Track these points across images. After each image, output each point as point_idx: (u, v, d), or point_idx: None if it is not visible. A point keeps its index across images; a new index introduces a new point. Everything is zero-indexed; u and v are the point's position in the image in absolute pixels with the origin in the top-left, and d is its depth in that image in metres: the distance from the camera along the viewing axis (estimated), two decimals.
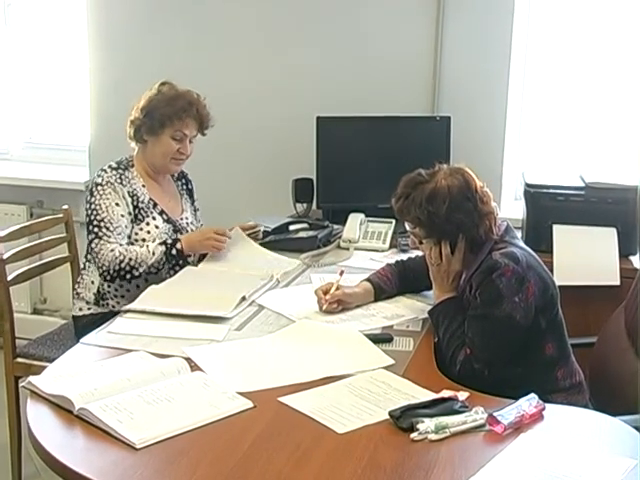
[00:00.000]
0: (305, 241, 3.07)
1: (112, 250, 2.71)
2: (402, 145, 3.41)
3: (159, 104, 2.82)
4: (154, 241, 2.79)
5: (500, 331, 2.15)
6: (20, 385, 2.04)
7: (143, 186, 2.86)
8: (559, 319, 2.28)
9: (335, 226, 3.23)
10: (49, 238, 3.20)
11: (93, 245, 2.75)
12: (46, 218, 3.28)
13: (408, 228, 2.34)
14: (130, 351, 2.10)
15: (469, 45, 3.49)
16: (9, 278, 2.92)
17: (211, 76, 3.77)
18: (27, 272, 3.06)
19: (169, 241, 2.78)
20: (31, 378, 1.91)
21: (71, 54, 4.15)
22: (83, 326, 2.37)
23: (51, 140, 4.31)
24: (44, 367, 2.09)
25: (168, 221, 2.88)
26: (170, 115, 2.80)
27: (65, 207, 3.28)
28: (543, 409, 1.82)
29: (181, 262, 2.81)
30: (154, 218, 2.84)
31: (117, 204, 2.77)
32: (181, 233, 2.89)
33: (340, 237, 3.14)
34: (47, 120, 4.34)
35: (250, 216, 3.26)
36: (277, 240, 3.07)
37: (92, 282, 2.87)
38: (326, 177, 3.45)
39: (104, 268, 2.73)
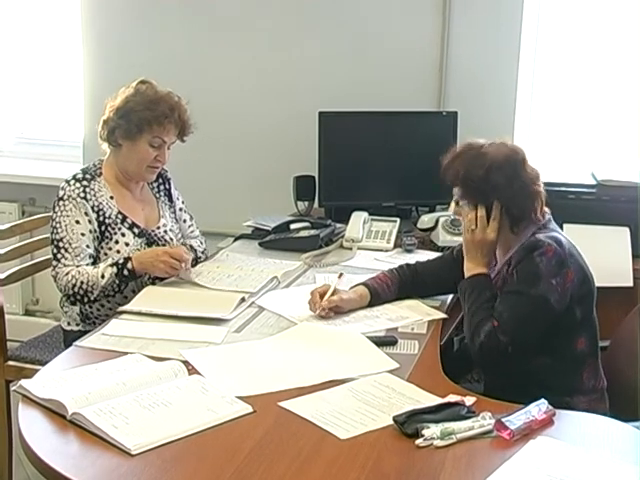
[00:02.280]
0: (307, 240, 3.03)
1: (67, 273, 2.60)
2: (407, 141, 3.39)
3: (137, 106, 2.65)
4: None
5: (531, 310, 2.13)
6: (11, 389, 2.01)
7: (111, 197, 2.70)
8: (594, 318, 2.27)
9: (338, 225, 3.20)
10: (41, 237, 3.15)
11: (52, 267, 2.66)
12: (38, 216, 3.24)
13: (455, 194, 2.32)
14: (126, 354, 2.08)
15: (476, 38, 3.47)
16: (0, 278, 2.88)
17: (210, 71, 3.77)
18: (18, 272, 3.02)
19: (120, 261, 2.61)
20: (22, 382, 1.89)
21: (64, 48, 4.12)
22: (73, 340, 2.30)
23: (44, 136, 4.28)
24: (36, 370, 2.07)
25: (140, 235, 2.73)
26: (149, 120, 2.63)
27: None
28: (553, 414, 1.79)
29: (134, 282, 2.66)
30: (123, 234, 2.69)
31: (77, 221, 2.62)
32: (157, 245, 2.75)
33: (343, 236, 3.11)
34: (40, 115, 4.31)
35: (250, 214, 3.23)
36: (278, 239, 3.06)
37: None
38: (328, 174, 3.41)
39: (63, 292, 2.64)
